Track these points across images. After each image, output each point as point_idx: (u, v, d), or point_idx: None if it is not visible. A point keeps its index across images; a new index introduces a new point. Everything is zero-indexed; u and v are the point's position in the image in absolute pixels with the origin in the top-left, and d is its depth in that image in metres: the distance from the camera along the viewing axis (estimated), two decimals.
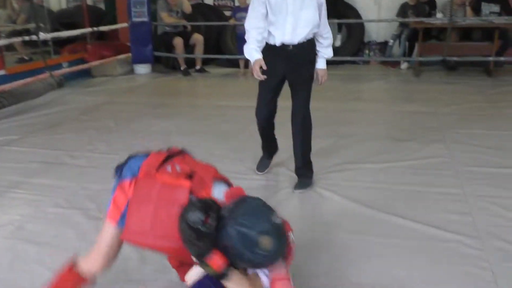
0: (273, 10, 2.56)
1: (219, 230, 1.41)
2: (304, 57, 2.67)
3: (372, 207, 2.60)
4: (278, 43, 2.61)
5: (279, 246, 1.43)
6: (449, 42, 6.00)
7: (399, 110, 4.64)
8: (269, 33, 2.60)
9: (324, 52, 2.73)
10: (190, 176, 1.59)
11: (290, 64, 2.65)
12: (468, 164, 3.15)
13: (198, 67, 6.81)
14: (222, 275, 1.44)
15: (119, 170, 1.72)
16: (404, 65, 6.74)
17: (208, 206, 1.44)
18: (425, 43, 6.36)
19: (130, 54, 6.73)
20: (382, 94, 5.66)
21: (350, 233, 2.36)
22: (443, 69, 6.57)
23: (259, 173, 3.07)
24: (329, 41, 2.73)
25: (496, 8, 6.37)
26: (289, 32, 2.57)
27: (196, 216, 1.39)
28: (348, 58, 6.77)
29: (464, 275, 2.00)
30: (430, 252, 2.18)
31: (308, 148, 2.86)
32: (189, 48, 6.73)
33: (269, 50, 2.62)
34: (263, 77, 2.56)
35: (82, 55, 6.61)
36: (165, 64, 7.15)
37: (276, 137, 3.01)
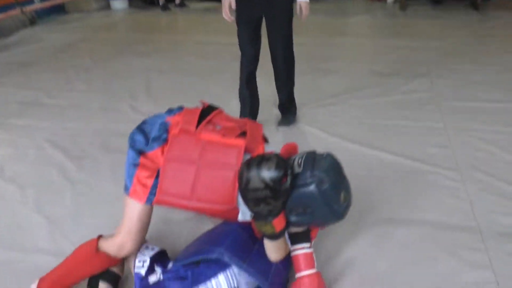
0: None
1: (294, 189, 1.35)
2: None
3: (355, 141, 2.62)
4: None
5: (351, 200, 1.44)
6: None
7: (384, 44, 4.57)
8: None
9: None
10: (242, 134, 1.49)
11: (267, 0, 2.44)
12: (452, 99, 3.16)
13: (177, 1, 6.52)
14: (278, 236, 1.40)
15: (135, 138, 1.54)
16: None
17: (285, 163, 1.34)
18: None
19: None
20: (367, 29, 5.54)
21: None
22: (429, 3, 6.41)
23: None
24: None
25: None
26: None
27: (275, 174, 1.29)
28: None
29: (442, 205, 2.07)
30: (410, 183, 2.24)
31: (292, 84, 2.79)
32: None
33: None
34: (231, 18, 2.40)
35: None
36: None
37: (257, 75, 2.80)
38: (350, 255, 1.80)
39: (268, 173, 1.29)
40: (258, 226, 1.40)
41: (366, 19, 5.86)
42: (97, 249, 1.55)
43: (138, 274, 1.54)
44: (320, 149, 1.57)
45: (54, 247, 1.87)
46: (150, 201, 1.50)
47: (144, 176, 1.49)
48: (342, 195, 1.38)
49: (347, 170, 1.45)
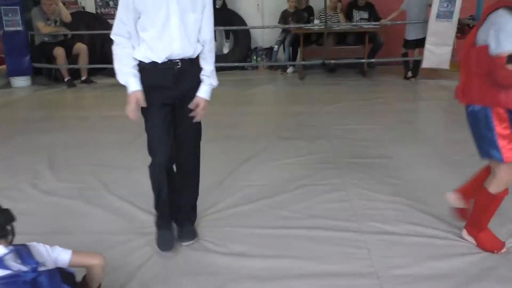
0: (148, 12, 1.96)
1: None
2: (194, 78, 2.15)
3: (259, 203, 2.74)
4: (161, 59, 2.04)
5: None
6: (327, 47, 6.48)
7: (286, 111, 4.91)
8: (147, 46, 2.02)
9: (212, 78, 2.18)
10: None
11: (179, 87, 2.09)
12: (347, 156, 3.46)
13: (83, 77, 6.51)
14: None
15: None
16: (290, 69, 7.12)
17: None
18: (306, 48, 6.79)
19: (5, 66, 6.23)
20: (270, 97, 5.93)
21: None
22: (324, 72, 7.07)
23: (167, 252, 2.25)
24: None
25: (365, 14, 7.03)
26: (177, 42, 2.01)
27: None
28: (237, 64, 6.99)
29: (342, 255, 2.21)
30: (312, 238, 2.37)
31: (197, 195, 2.41)
32: (72, 58, 6.42)
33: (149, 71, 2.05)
34: (135, 117, 1.99)
35: None
36: (47, 76, 6.73)
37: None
38: None
39: None
40: None
41: (269, 88, 6.29)
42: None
43: None
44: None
45: None
46: None
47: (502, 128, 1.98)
48: None
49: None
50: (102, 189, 2.98)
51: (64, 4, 6.70)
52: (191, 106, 2.13)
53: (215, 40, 7.33)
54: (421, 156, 3.43)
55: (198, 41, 2.10)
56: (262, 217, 2.59)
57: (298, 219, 2.57)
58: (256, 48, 7.55)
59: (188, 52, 2.06)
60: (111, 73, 7.19)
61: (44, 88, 6.35)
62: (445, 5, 5.65)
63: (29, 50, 6.24)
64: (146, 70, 2.05)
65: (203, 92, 2.16)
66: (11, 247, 1.50)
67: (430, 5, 5.81)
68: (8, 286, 1.41)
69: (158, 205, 2.27)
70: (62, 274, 1.57)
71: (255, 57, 7.53)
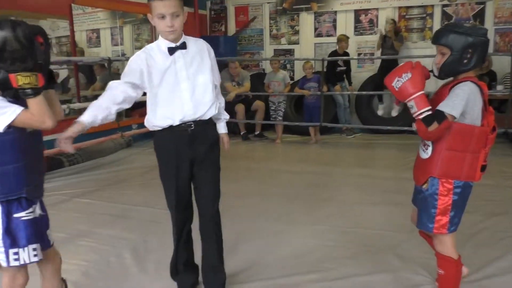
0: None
1: None
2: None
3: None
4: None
5: None
6: (509, 114, 5.88)
7: None
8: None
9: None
10: None
11: (193, 148, 2.21)
12: None
13: (257, 132, 7.07)
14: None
15: None
16: None
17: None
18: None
19: None
20: None
21: None
22: (506, 142, 6.37)
23: None
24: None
25: None
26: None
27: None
28: (406, 128, 6.77)
29: None
30: None
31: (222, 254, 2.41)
32: (250, 113, 7.05)
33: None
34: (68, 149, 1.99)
35: None
36: None
37: None
38: None
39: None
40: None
41: None
42: None
43: None
44: None
45: None
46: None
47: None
48: None
49: None
50: (258, 239, 3.13)
51: (248, 66, 7.50)
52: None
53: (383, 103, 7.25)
54: None
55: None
56: None
57: None
58: None
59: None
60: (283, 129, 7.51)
61: None
62: None
63: None
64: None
65: (222, 128, 2.42)
66: None
67: None
68: None
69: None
70: None
71: None
